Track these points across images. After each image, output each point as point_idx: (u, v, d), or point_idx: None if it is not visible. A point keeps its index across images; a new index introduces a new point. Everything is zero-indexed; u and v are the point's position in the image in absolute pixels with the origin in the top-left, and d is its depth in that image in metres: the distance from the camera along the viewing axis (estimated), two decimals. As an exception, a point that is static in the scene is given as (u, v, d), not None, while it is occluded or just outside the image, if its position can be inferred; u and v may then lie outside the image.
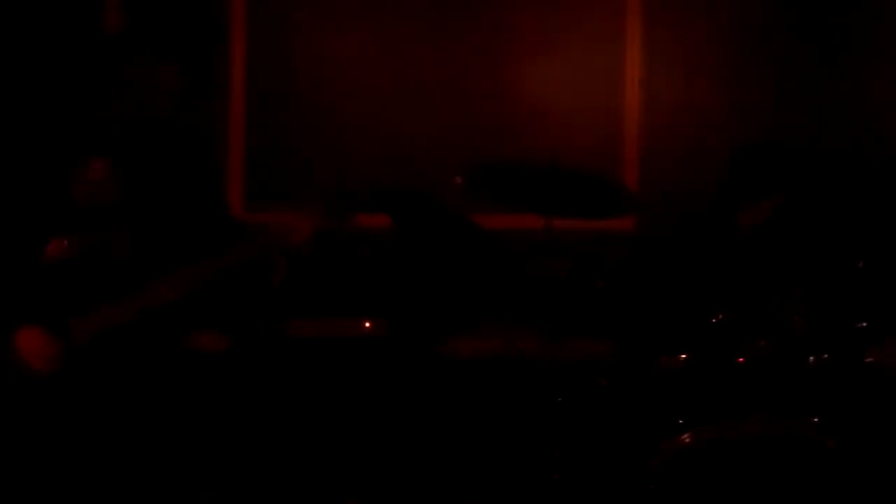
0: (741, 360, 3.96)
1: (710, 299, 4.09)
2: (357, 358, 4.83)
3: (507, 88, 5.40)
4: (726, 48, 5.27)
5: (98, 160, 3.74)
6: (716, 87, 5.24)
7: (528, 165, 4.34)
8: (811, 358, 3.92)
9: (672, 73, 5.28)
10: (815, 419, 3.85)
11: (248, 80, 5.46)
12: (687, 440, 3.89)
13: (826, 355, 3.91)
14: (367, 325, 4.83)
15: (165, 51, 3.83)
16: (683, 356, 4.02)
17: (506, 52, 5.41)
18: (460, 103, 5.40)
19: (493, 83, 5.40)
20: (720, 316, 4.02)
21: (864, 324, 3.93)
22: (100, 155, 3.75)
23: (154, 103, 3.75)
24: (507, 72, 5.40)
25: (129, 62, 3.77)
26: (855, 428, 3.87)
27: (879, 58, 5.18)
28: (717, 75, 5.25)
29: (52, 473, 3.60)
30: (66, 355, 3.56)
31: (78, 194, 3.72)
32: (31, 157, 3.75)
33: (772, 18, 5.25)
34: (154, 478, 3.76)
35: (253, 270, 3.77)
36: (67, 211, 3.70)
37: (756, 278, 4.15)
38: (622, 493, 4.04)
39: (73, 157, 3.76)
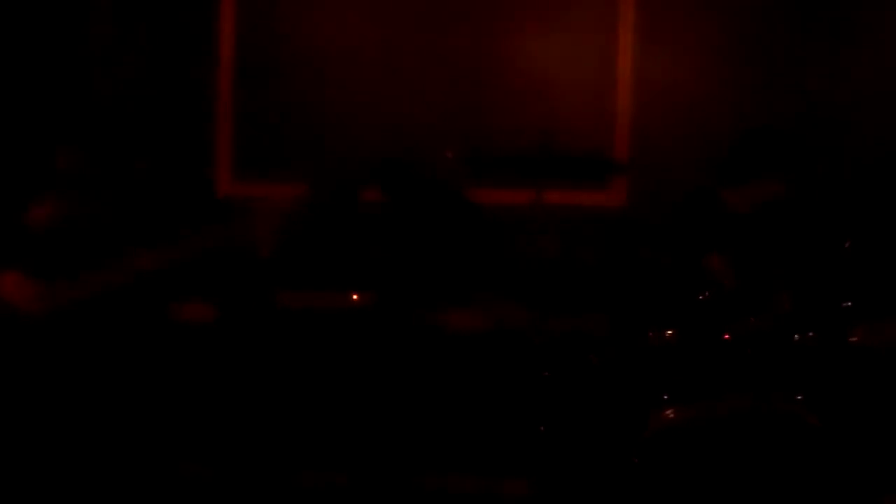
0: (727, 336, 3.97)
1: (697, 276, 4.10)
2: (345, 330, 4.84)
3: (499, 65, 5.39)
4: (718, 26, 5.26)
5: (81, 129, 3.75)
6: (707, 65, 5.23)
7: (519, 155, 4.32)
8: (797, 336, 3.93)
9: (663, 51, 5.27)
10: (800, 397, 3.87)
11: (237, 53, 5.44)
12: (672, 416, 3.91)
13: (811, 334, 3.92)
14: (355, 297, 4.84)
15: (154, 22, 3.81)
16: (671, 332, 4.03)
17: (499, 29, 5.40)
18: (453, 78, 5.39)
19: (486, 58, 5.39)
20: (707, 293, 4.03)
21: (850, 303, 3.94)
22: (84, 125, 3.75)
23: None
24: (499, 49, 5.39)
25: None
26: (839, 406, 3.89)
27: (872, 41, 5.17)
28: (708, 54, 5.24)
29: (36, 439, 3.61)
30: (50, 296, 3.57)
31: (60, 163, 3.72)
32: (15, 125, 3.75)
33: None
34: (140, 447, 3.76)
35: (239, 244, 3.78)
36: (50, 179, 3.70)
37: (744, 256, 4.16)
38: (608, 467, 4.06)
39: (57, 126, 3.76)
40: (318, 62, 5.37)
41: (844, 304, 3.93)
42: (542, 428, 4.20)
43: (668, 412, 3.92)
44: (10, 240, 3.65)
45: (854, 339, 3.92)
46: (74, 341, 3.62)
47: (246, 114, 5.43)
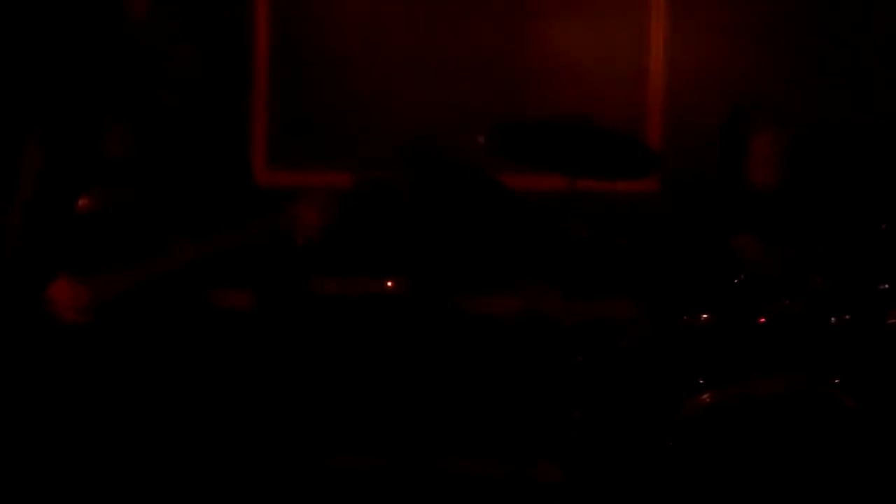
0: (763, 319, 3.97)
1: (732, 259, 4.10)
2: (379, 316, 4.86)
3: (529, 50, 5.39)
4: (750, 11, 5.25)
5: (122, 120, 3.77)
6: (740, 50, 5.23)
7: (552, 124, 4.34)
8: (833, 318, 3.93)
9: (696, 37, 5.27)
10: (836, 380, 3.86)
11: (272, 43, 5.47)
12: (707, 399, 3.91)
13: (847, 316, 3.91)
14: (390, 283, 4.86)
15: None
16: (705, 316, 4.03)
17: (529, 15, 5.40)
18: (484, 64, 5.39)
19: (517, 44, 5.39)
20: (742, 276, 4.03)
21: (887, 285, 3.93)
22: (125, 112, 3.77)
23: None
24: (530, 35, 5.39)
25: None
26: (875, 389, 3.88)
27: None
28: (741, 39, 5.23)
29: (77, 429, 3.63)
30: (96, 307, 3.59)
31: (105, 148, 3.74)
32: (61, 112, 3.77)
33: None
34: (179, 435, 3.79)
35: (280, 232, 3.79)
36: (95, 164, 3.72)
37: (779, 239, 4.16)
38: (642, 452, 4.06)
39: (100, 117, 3.78)
40: (351, 50, 5.39)
41: (881, 286, 3.92)
42: (576, 413, 4.21)
43: (703, 396, 3.92)
44: (58, 231, 3.67)
45: (891, 321, 3.91)
46: (117, 333, 3.65)
47: (281, 102, 5.46)
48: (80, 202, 3.68)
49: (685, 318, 4.06)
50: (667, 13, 5.31)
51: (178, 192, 3.76)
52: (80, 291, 3.58)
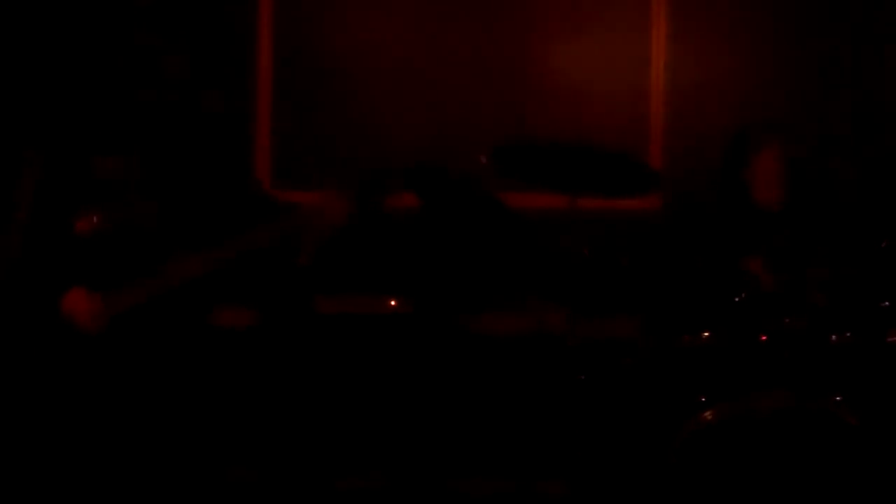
0: (764, 337, 3.97)
1: (733, 277, 4.11)
2: (383, 335, 4.87)
3: (532, 69, 5.41)
4: (751, 32, 5.27)
5: (123, 138, 3.80)
6: (740, 70, 5.25)
7: (554, 145, 4.36)
8: (833, 336, 3.93)
9: (697, 56, 5.29)
10: (837, 397, 3.87)
11: (276, 58, 5.49)
12: (709, 418, 3.91)
13: (848, 334, 3.92)
14: (393, 302, 4.87)
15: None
16: (706, 334, 4.04)
17: (532, 32, 5.42)
18: (487, 83, 5.41)
19: (520, 63, 5.41)
20: (743, 294, 4.03)
21: (887, 303, 3.94)
22: (126, 132, 3.80)
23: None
24: (533, 53, 5.42)
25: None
26: (877, 406, 3.88)
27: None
28: (741, 59, 5.26)
29: (82, 441, 3.65)
30: (110, 314, 3.63)
31: (105, 169, 3.77)
32: (60, 134, 3.80)
33: (796, 1, 5.27)
34: (179, 452, 3.80)
35: (281, 248, 3.81)
36: (96, 186, 3.75)
37: (779, 256, 4.17)
38: (646, 469, 4.06)
39: (100, 133, 3.81)
40: (356, 69, 5.41)
41: (882, 304, 3.93)
42: (579, 431, 4.22)
43: (705, 413, 3.92)
44: (61, 251, 3.70)
45: (892, 338, 3.92)
46: (123, 350, 3.67)
47: (285, 121, 5.48)
48: (92, 220, 3.72)
49: (687, 336, 4.06)
50: (668, 32, 5.33)
51: (185, 208, 3.79)
52: (95, 301, 3.62)
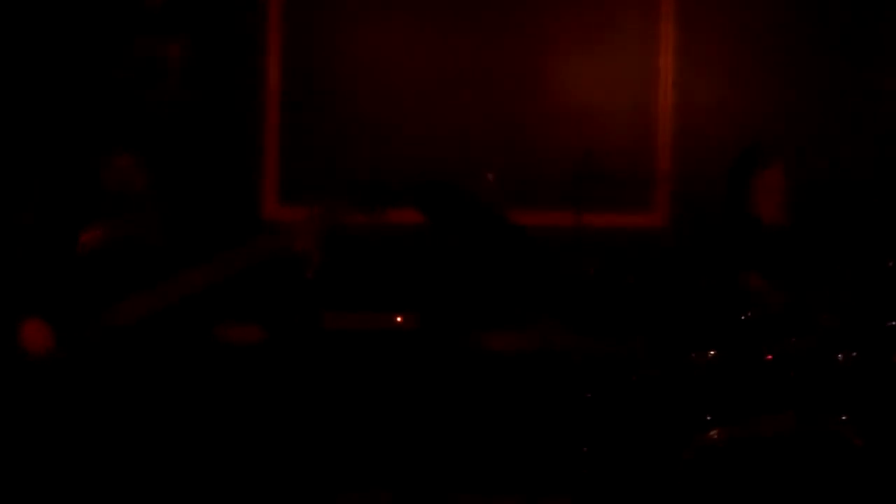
0: (770, 356, 3.97)
1: (739, 296, 4.11)
2: (389, 351, 4.87)
3: (540, 87, 5.42)
4: (758, 48, 5.29)
5: (126, 150, 3.81)
6: (747, 86, 5.26)
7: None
8: (840, 356, 3.93)
9: (704, 72, 5.30)
10: (844, 417, 3.86)
11: (283, 76, 5.50)
12: (715, 436, 3.91)
13: (855, 353, 3.92)
14: (399, 319, 4.88)
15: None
16: (713, 353, 4.04)
17: (539, 50, 5.44)
18: (494, 101, 5.42)
19: (527, 81, 5.42)
20: (749, 313, 4.03)
21: (894, 323, 3.93)
22: (128, 145, 3.82)
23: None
24: (540, 70, 5.43)
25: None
26: (883, 426, 3.88)
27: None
28: (748, 75, 5.27)
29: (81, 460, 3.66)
30: (66, 346, 3.65)
31: (108, 183, 3.78)
32: (63, 148, 3.81)
33: (803, 21, 5.28)
34: (184, 467, 3.80)
35: (285, 264, 3.82)
36: (99, 200, 3.76)
37: (786, 276, 4.17)
38: (651, 488, 4.06)
39: (102, 147, 3.82)
40: (363, 87, 5.43)
41: (888, 324, 3.93)
42: (584, 449, 4.22)
43: (712, 432, 3.92)
44: (62, 264, 3.71)
45: (898, 358, 3.92)
46: (126, 363, 3.67)
47: (292, 138, 5.49)
48: (86, 238, 3.73)
49: (693, 354, 4.06)
50: (675, 51, 5.35)
51: (185, 225, 3.80)
52: (48, 331, 3.64)
